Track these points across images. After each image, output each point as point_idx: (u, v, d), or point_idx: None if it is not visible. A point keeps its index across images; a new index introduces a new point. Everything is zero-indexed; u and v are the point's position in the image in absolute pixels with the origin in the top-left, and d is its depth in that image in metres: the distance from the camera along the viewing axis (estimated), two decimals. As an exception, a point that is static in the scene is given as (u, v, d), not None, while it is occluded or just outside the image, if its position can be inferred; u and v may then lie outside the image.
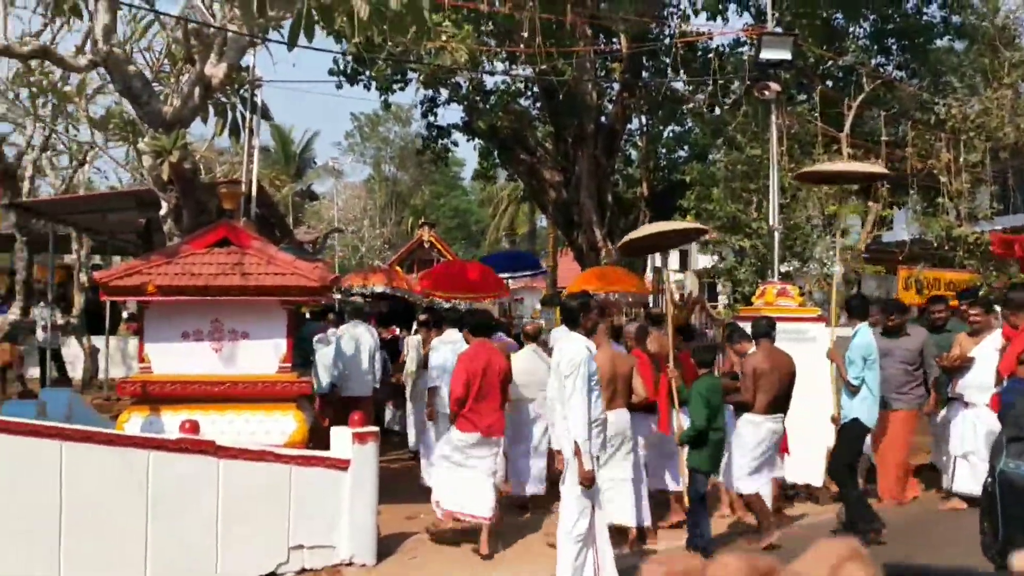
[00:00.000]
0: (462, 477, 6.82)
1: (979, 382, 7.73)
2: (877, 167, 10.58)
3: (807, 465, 8.33)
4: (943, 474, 8.47)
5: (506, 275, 17.07)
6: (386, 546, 6.83)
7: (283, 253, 7.30)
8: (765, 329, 7.27)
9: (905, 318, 8.64)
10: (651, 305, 12.89)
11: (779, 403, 6.96)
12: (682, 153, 18.48)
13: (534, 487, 8.04)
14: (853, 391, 7.18)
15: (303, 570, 6.15)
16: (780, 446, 7.32)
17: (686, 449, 6.63)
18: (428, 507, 8.16)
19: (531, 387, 7.92)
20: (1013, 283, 8.03)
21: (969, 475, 7.82)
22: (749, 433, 6.90)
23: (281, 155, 45.56)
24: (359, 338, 9.42)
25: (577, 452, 5.21)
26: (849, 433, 7.22)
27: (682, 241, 9.46)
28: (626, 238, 7.81)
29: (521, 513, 7.89)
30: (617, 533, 6.27)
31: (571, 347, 5.33)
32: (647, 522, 6.90)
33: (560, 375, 5.28)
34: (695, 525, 6.44)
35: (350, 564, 6.33)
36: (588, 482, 5.25)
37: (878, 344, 7.97)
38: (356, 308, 9.78)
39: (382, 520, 7.42)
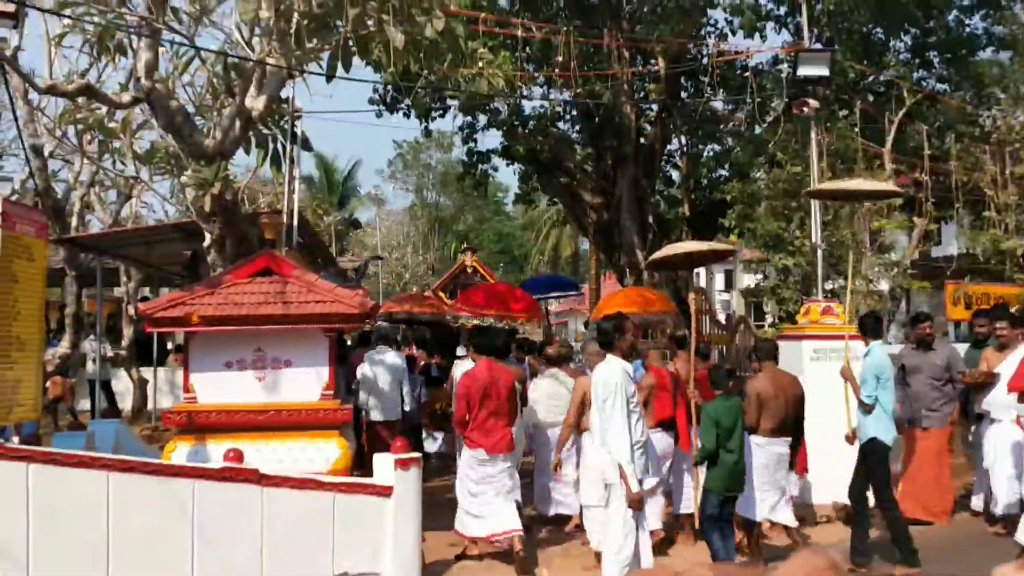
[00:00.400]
0: (480, 501, 6.96)
1: (1003, 399, 7.53)
2: (889, 185, 10.43)
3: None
4: (975, 495, 8.28)
5: (542, 296, 17.23)
6: (432, 573, 6.81)
7: (323, 281, 7.36)
8: (769, 351, 7.22)
9: (932, 328, 8.45)
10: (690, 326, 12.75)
11: (785, 426, 6.86)
12: (723, 172, 18.34)
13: (556, 509, 8.22)
14: (867, 410, 6.98)
15: (348, 598, 6.15)
16: (796, 467, 7.32)
17: (702, 469, 6.58)
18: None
19: (554, 411, 7.92)
20: None
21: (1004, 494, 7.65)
22: (755, 456, 6.80)
23: (325, 184, 46.19)
24: (385, 362, 9.40)
25: (622, 475, 5.14)
26: (872, 455, 7.01)
27: (711, 261, 9.51)
28: (655, 255, 7.94)
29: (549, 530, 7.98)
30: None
31: (607, 370, 5.28)
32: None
33: (598, 399, 5.23)
34: (710, 545, 6.36)
35: (394, 590, 6.31)
36: (636, 504, 5.19)
37: (908, 360, 7.83)
38: (382, 334, 9.76)
39: (427, 547, 7.42)
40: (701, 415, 6.57)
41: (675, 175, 20.68)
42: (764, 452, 6.83)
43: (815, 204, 9.81)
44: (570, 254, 47.78)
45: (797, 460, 7.32)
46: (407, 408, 9.56)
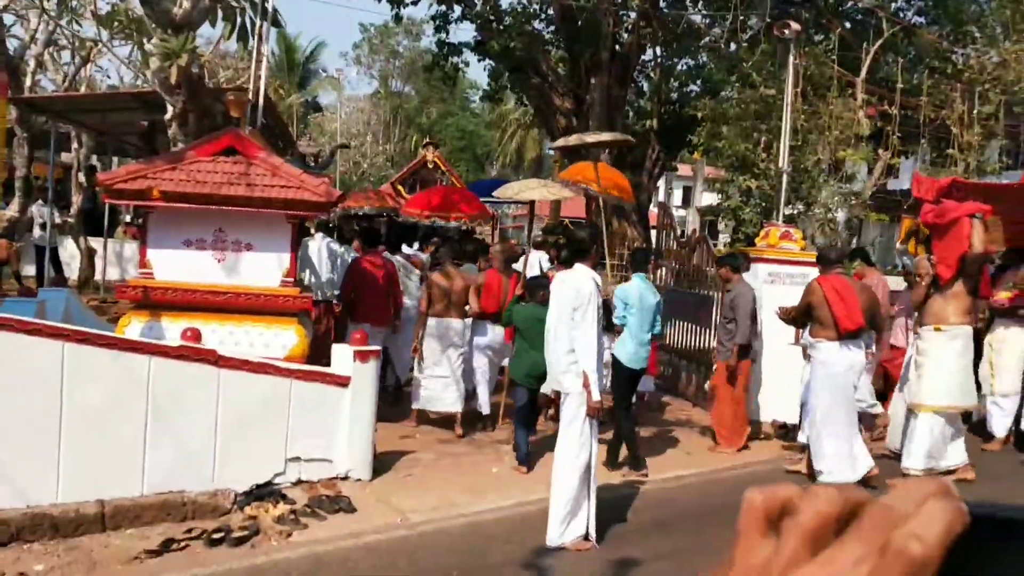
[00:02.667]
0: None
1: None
2: (622, 136, 11.38)
3: (782, 403, 8.57)
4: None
5: (492, 201, 17.51)
6: (383, 462, 6.95)
7: (289, 166, 7.21)
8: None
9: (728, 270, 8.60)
10: (657, 241, 12.86)
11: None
12: (695, 88, 18.16)
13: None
14: (617, 332, 7.39)
15: (299, 481, 6.25)
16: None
17: None
18: (424, 427, 8.32)
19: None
20: None
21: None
22: None
23: (285, 63, 44.75)
24: (321, 250, 9.44)
25: (586, 383, 5.23)
26: (614, 370, 7.29)
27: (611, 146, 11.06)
28: (558, 143, 9.29)
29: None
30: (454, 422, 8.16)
31: (579, 279, 5.31)
32: (486, 410, 8.41)
33: (566, 308, 5.27)
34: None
35: (346, 478, 6.44)
36: (596, 413, 5.31)
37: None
38: (320, 223, 9.78)
39: (380, 437, 7.56)
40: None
41: (647, 87, 20.42)
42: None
43: (785, 128, 9.82)
44: (534, 157, 47.32)
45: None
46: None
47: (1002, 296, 8.42)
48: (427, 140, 27.76)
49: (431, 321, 8.16)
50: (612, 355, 7.25)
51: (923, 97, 12.24)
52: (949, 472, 7.17)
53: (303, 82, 46.99)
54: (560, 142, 9.49)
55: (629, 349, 7.18)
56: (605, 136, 10.81)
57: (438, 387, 8.19)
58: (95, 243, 16.10)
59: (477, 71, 53.63)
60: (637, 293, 7.28)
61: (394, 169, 36.63)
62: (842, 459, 6.88)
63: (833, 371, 6.83)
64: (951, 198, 7.46)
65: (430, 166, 25.21)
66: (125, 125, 11.85)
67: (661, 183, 24.19)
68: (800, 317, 7.25)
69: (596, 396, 5.23)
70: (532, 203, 9.18)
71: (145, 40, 7.61)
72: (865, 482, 6.74)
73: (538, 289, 7.18)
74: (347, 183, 35.99)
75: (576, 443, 5.32)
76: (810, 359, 7.30)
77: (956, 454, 7.28)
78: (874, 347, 7.67)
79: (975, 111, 12.28)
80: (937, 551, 0.38)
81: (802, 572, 0.41)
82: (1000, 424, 8.56)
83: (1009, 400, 8.51)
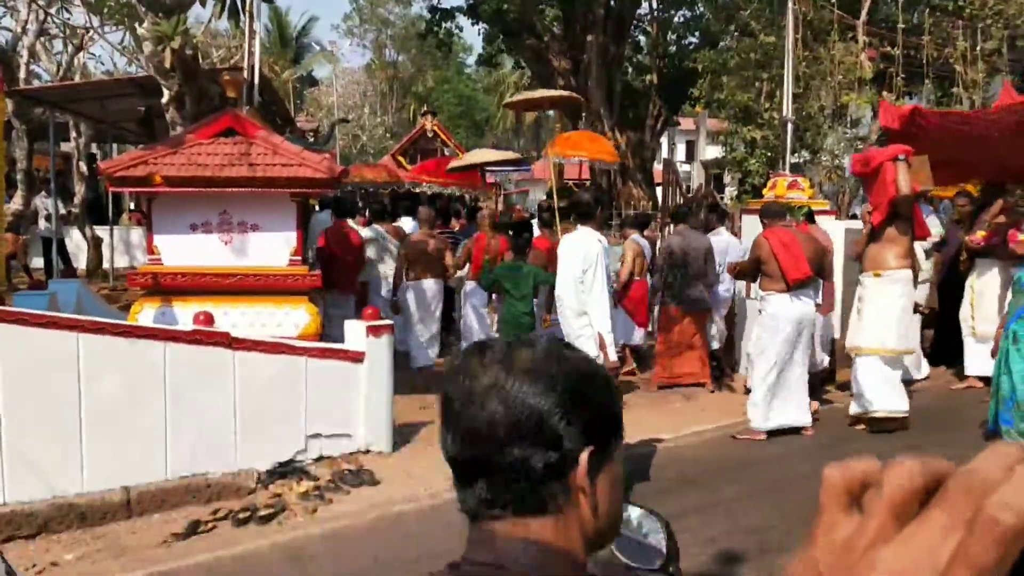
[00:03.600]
0: None
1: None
2: (572, 94, 11.65)
3: None
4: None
5: (492, 169, 17.80)
6: (402, 434, 6.98)
7: (289, 143, 7.17)
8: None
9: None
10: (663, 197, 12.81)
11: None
12: (693, 40, 17.95)
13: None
14: None
15: (321, 457, 6.29)
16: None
17: None
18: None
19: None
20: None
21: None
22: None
23: (277, 39, 44.38)
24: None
25: (601, 345, 5.23)
26: None
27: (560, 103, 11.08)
28: (509, 100, 9.81)
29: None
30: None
31: (585, 242, 5.28)
32: None
33: (574, 272, 5.24)
34: None
35: (367, 452, 6.48)
36: (614, 374, 5.32)
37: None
38: (325, 200, 10.09)
39: (398, 410, 7.59)
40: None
41: (644, 42, 20.20)
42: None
43: (787, 76, 9.69)
44: (532, 120, 46.97)
45: None
46: None
47: (977, 236, 8.33)
48: (425, 109, 27.59)
49: (412, 283, 8.84)
50: None
51: (925, 36, 12.06)
52: (892, 418, 7.16)
53: (297, 57, 46.59)
54: (508, 100, 10.54)
55: None
56: (553, 93, 11.42)
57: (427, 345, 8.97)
58: (101, 231, 16.11)
59: (471, 34, 52.93)
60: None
61: (393, 140, 36.42)
62: (788, 412, 6.99)
63: (784, 323, 6.85)
64: (913, 126, 7.44)
65: (429, 135, 25.06)
66: (123, 112, 11.76)
67: (664, 139, 24.02)
68: (750, 272, 7.28)
69: (613, 357, 5.23)
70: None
71: (137, 25, 7.54)
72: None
73: (521, 246, 7.56)
74: (347, 157, 35.83)
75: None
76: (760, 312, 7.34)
77: (896, 399, 7.21)
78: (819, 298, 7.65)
79: (978, 48, 12.10)
80: None
81: (889, 547, 0.40)
82: (977, 365, 8.42)
83: (989, 343, 8.39)
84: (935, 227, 8.52)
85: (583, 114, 17.58)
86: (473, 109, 51.72)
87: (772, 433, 7.15)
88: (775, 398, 6.95)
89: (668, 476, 6.24)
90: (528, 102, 11.24)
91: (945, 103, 13.18)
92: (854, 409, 7.31)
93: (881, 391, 7.14)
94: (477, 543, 1.04)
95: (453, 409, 1.03)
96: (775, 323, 6.88)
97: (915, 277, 7.49)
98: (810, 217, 8.87)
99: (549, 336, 1.13)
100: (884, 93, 11.93)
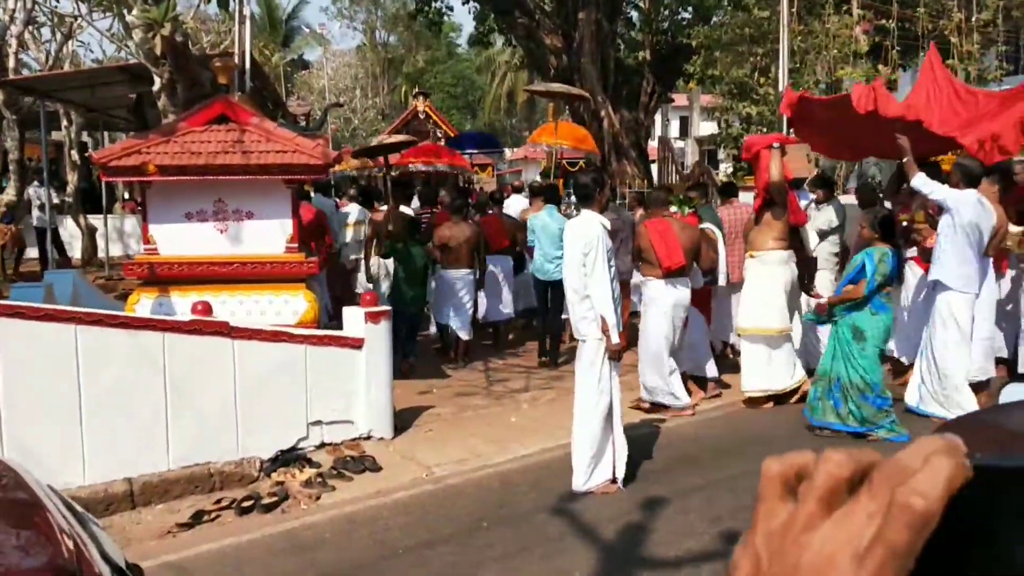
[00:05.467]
0: None
1: None
2: (580, 90, 12.57)
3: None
4: None
5: (469, 152, 18.67)
6: (403, 420, 6.99)
7: (282, 129, 7.10)
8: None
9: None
10: (659, 175, 12.78)
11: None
12: (686, 15, 17.82)
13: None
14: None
15: (323, 444, 6.29)
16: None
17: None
18: (440, 382, 8.36)
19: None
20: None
21: None
22: None
23: (267, 22, 44.04)
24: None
25: (604, 328, 5.21)
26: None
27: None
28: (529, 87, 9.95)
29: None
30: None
31: (587, 224, 5.25)
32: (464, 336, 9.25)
33: (576, 255, 5.22)
34: None
35: (368, 438, 6.48)
36: (617, 355, 5.30)
37: None
38: (319, 184, 10.46)
39: (398, 396, 7.59)
40: None
41: (636, 17, 20.06)
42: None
43: (783, 50, 9.63)
44: (525, 100, 46.71)
45: None
46: None
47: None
48: (417, 90, 27.43)
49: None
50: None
51: (920, 8, 11.97)
52: (789, 392, 7.39)
53: (287, 40, 46.29)
54: (529, 87, 11.37)
55: (536, 263, 9.05)
56: (571, 90, 12.07)
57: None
58: (95, 221, 16.03)
59: (462, 13, 52.43)
60: (541, 223, 8.97)
61: (385, 122, 36.28)
62: (663, 392, 7.16)
63: (661, 307, 7.04)
64: (804, 112, 7.74)
65: (422, 116, 24.95)
66: (114, 99, 11.66)
67: (658, 116, 23.93)
68: (638, 258, 7.50)
69: (615, 339, 5.21)
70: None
71: (126, 12, 7.45)
72: None
73: (413, 226, 8.88)
74: (339, 140, 35.64)
75: (595, 389, 5.31)
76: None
77: (786, 376, 7.41)
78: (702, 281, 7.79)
79: (973, 19, 12.02)
80: (938, 504, 0.41)
81: (819, 531, 0.44)
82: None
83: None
84: (829, 215, 8.45)
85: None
86: (467, 89, 51.44)
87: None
88: (671, 375, 7.15)
89: (670, 455, 6.25)
90: (547, 93, 12.15)
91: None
92: (746, 387, 7.49)
93: (761, 370, 7.37)
94: None
95: None
96: (655, 307, 7.09)
97: (810, 262, 7.83)
98: (730, 191, 8.96)
99: None
100: (880, 66, 11.87)
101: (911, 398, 6.99)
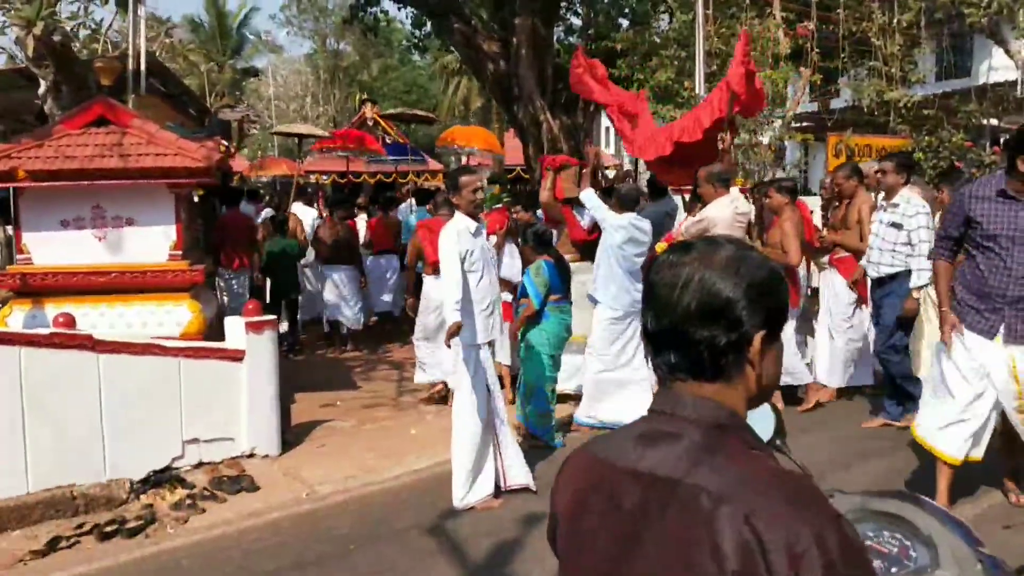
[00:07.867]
0: None
1: None
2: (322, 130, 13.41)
3: None
4: None
5: (396, 159, 18.47)
6: (296, 435, 6.70)
7: (166, 132, 6.79)
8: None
9: None
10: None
11: None
12: (623, 21, 17.69)
13: None
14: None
15: (201, 463, 5.98)
16: None
17: None
18: (345, 394, 8.08)
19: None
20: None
21: None
22: None
23: (217, 30, 43.37)
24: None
25: (452, 330, 4.95)
26: None
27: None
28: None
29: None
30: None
31: (448, 226, 5.04)
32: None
33: (441, 251, 5.02)
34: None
35: (252, 456, 6.18)
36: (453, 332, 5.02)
37: None
38: (251, 190, 11.79)
39: (300, 408, 7.31)
40: None
41: (575, 24, 19.92)
42: None
43: (698, 52, 9.51)
44: (479, 106, 46.41)
45: None
46: None
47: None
48: (365, 97, 27.14)
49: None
50: None
51: (841, 11, 11.91)
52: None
53: (239, 48, 45.62)
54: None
55: None
56: (316, 131, 13.56)
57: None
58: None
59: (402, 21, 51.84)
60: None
61: (337, 129, 35.81)
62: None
63: (428, 301, 7.52)
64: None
65: (370, 123, 24.64)
66: (20, 104, 11.21)
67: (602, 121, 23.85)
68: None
69: (453, 319, 4.92)
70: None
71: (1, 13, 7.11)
72: None
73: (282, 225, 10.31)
74: (290, 148, 35.09)
75: (468, 395, 5.08)
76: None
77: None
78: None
79: (895, 20, 11.98)
80: None
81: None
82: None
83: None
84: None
85: (518, 97, 17.27)
86: (422, 97, 50.97)
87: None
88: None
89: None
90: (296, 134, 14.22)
91: (864, 78, 13.03)
92: None
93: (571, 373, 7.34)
94: (662, 398, 1.32)
95: (657, 294, 1.29)
96: (425, 303, 7.67)
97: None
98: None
99: (738, 240, 1.36)
100: (801, 69, 11.81)
101: None
